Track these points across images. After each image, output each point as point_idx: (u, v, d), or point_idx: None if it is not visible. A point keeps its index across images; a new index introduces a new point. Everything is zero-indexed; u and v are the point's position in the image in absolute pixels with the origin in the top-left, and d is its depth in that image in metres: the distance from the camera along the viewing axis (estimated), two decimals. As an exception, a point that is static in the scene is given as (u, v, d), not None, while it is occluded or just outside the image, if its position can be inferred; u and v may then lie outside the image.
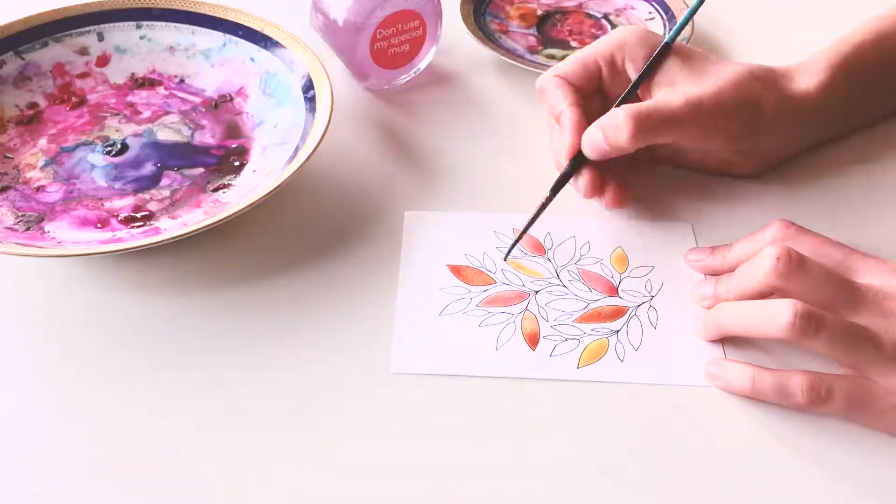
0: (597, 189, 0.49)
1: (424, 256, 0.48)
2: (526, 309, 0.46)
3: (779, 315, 0.39)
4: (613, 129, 0.47)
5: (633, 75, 0.50)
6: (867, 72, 0.53)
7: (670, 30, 0.64)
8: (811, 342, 0.39)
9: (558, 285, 0.47)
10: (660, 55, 0.49)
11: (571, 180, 0.49)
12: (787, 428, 0.41)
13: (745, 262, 0.43)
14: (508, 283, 0.47)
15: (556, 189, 0.49)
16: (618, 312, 0.46)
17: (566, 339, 0.44)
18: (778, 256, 0.41)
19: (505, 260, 0.48)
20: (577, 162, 0.49)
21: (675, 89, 0.49)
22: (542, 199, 0.48)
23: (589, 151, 0.48)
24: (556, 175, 0.50)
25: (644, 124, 0.46)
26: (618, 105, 0.49)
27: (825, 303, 0.40)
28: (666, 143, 0.50)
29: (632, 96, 0.50)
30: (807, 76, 0.52)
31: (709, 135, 0.49)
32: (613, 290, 0.47)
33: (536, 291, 0.47)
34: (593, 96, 0.51)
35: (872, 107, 0.56)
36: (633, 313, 0.45)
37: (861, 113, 0.55)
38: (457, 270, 0.48)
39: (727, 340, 0.44)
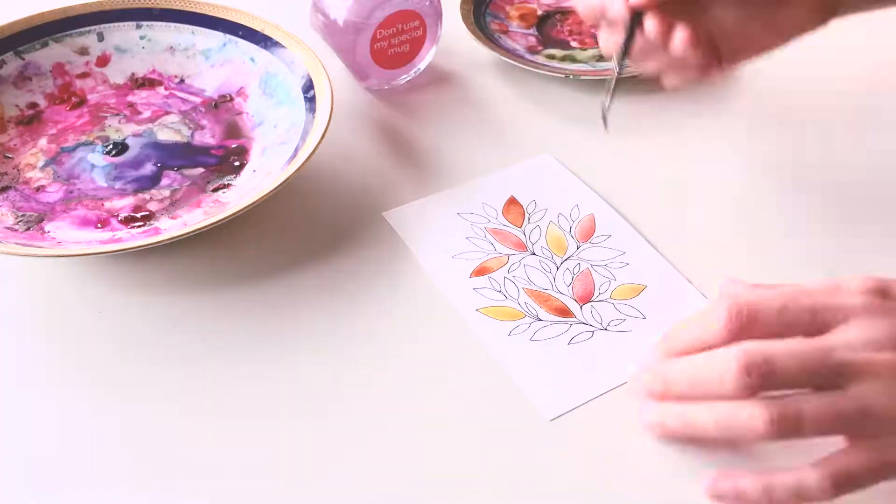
0: (667, 32, 0.46)
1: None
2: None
3: (752, 420, 0.36)
4: None
5: None
6: None
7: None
8: (797, 437, 0.36)
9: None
10: None
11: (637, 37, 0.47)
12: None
13: (694, 359, 0.39)
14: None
15: (625, 52, 0.48)
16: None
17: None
18: (739, 371, 0.36)
19: (606, 128, 0.49)
20: (638, 18, 0.47)
21: None
22: (615, 71, 0.49)
23: None
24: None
25: None
26: None
27: (807, 391, 0.37)
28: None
29: None
30: None
31: None
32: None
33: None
34: None
35: None
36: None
37: None
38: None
39: None
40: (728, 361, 0.37)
